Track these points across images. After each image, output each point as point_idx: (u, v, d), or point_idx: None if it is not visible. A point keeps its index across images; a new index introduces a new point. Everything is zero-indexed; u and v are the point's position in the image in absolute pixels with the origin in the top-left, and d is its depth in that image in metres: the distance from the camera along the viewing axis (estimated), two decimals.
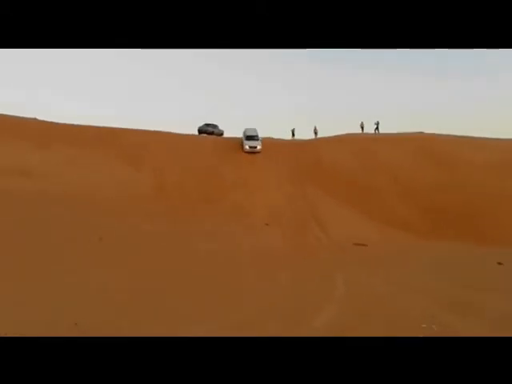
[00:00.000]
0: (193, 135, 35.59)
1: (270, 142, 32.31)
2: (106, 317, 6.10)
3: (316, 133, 37.01)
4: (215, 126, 38.10)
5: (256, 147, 31.34)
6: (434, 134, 30.41)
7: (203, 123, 38.09)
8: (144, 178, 25.06)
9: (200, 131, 37.38)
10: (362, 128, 36.21)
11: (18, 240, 11.33)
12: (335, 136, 33.73)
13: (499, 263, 12.70)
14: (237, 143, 32.16)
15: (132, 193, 22.81)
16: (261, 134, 32.37)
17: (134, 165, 26.43)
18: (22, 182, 21.21)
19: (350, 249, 16.84)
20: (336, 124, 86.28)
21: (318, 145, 31.50)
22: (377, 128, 35.10)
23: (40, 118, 32.47)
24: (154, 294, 7.66)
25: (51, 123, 31.35)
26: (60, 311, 6.08)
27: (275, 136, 35.50)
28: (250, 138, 32.13)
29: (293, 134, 37.99)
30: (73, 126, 31.32)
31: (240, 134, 33.24)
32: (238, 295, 8.11)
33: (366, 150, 28.46)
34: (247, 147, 31.25)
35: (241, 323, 6.20)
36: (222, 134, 37.97)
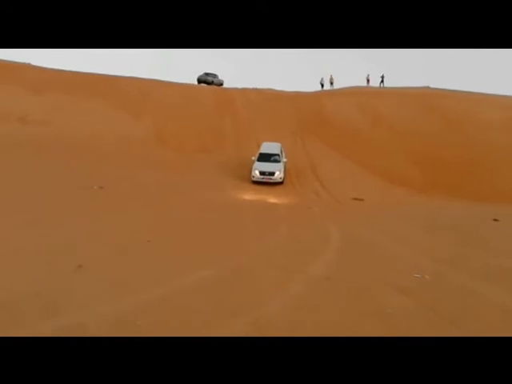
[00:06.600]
0: (192, 84, 34.63)
1: (271, 94, 31.47)
2: (110, 259, 6.21)
3: (332, 83, 35.74)
4: (215, 76, 37.06)
5: (273, 175, 18.19)
6: (440, 89, 29.51)
7: (203, 72, 36.95)
8: (143, 127, 24.66)
9: (199, 81, 36.37)
10: (368, 81, 35.37)
11: (15, 187, 11.31)
12: (340, 88, 32.84)
13: (495, 220, 12.84)
14: (236, 93, 31.24)
15: (130, 142, 22.54)
16: (267, 85, 29.32)
17: (133, 113, 25.91)
18: (18, 128, 20.91)
19: (348, 203, 16.92)
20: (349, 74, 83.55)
21: (322, 97, 30.66)
22: (382, 81, 34.41)
23: (33, 63, 31.43)
24: (156, 238, 7.77)
25: (46, 69, 30.35)
26: (61, 255, 6.16)
27: (277, 87, 34.43)
28: (264, 157, 18.97)
29: (322, 86, 35.76)
30: (69, 72, 30.31)
31: (242, 85, 31.88)
32: (238, 243, 8.26)
33: (370, 103, 27.75)
34: (257, 173, 18.29)
35: (239, 268, 6.38)
36: (221, 84, 36.97)
